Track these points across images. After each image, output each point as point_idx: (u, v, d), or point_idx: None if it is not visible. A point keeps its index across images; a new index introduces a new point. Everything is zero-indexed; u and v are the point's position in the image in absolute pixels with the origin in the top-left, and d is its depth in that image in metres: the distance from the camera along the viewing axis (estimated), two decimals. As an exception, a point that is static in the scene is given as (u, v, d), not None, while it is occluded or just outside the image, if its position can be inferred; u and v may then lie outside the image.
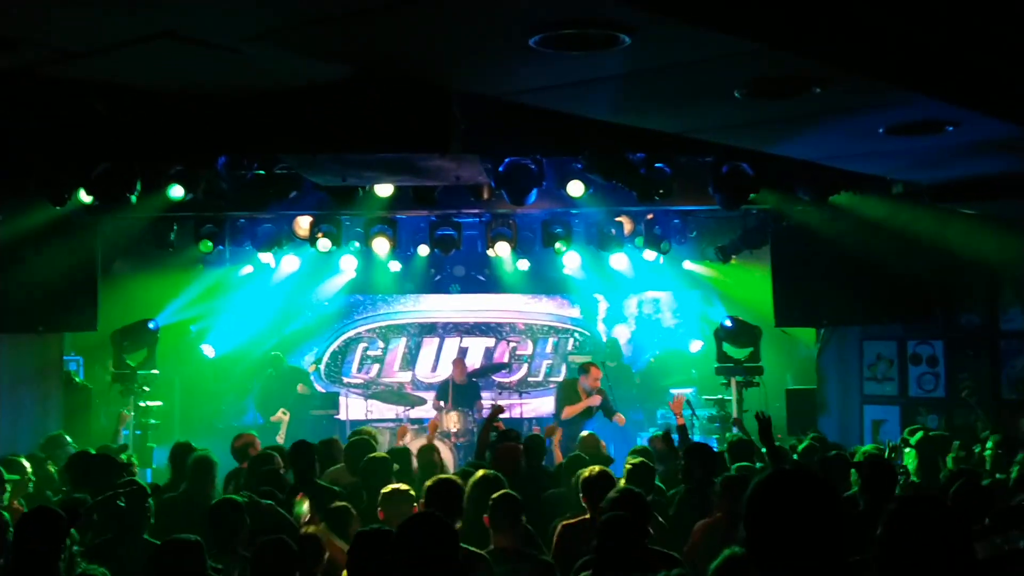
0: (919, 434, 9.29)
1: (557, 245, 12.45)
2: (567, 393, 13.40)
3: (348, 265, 14.40)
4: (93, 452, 8.85)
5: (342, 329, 16.71)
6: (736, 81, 5.66)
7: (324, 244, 12.08)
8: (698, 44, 4.91)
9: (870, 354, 12.30)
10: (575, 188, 10.34)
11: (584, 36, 4.64)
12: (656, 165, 9.75)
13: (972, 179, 8.95)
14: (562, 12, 4.43)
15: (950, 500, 6.33)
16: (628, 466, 7.85)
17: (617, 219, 12.57)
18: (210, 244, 11.98)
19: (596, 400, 12.94)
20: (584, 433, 10.56)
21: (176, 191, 9.60)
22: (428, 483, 6.58)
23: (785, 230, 11.78)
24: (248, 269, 14.18)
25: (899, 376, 12.04)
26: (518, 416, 15.62)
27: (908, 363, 11.97)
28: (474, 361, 16.35)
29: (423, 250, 13.34)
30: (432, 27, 4.76)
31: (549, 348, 16.95)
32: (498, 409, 9.93)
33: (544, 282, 15.89)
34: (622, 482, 7.04)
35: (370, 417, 15.22)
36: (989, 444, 8.99)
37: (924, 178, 9.19)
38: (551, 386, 16.59)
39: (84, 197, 9.23)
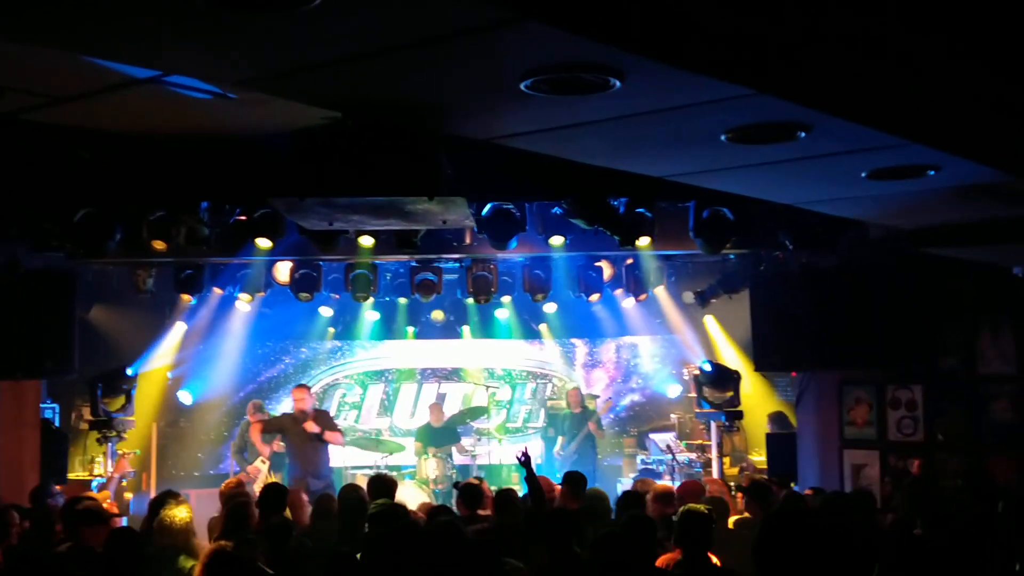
0: None
1: (537, 294, 12.50)
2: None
3: (326, 311, 14.40)
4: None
5: (320, 376, 16.64)
6: (722, 125, 5.71)
7: (304, 296, 12.12)
8: (687, 88, 4.95)
9: (849, 398, 12.31)
10: (556, 240, 10.41)
11: (576, 80, 4.67)
12: (637, 210, 9.80)
13: (951, 224, 9.02)
14: (555, 56, 4.46)
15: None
16: None
17: (597, 264, 12.60)
18: (190, 295, 11.98)
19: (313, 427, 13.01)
20: None
21: (158, 244, 9.54)
22: None
23: (764, 274, 11.82)
24: (226, 314, 14.13)
25: (878, 420, 12.05)
26: (497, 463, 15.61)
27: (887, 407, 11.98)
28: (452, 407, 16.31)
29: (403, 296, 13.35)
30: (424, 73, 4.78)
31: (528, 394, 16.93)
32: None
33: (524, 327, 15.93)
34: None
35: (348, 464, 15.16)
36: None
37: (904, 223, 9.25)
38: (530, 431, 16.62)
39: (66, 247, 9.17)
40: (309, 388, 14.19)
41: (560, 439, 15.10)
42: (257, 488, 11.98)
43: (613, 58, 4.45)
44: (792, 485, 10.96)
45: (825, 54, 4.82)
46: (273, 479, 12.44)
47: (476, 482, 9.72)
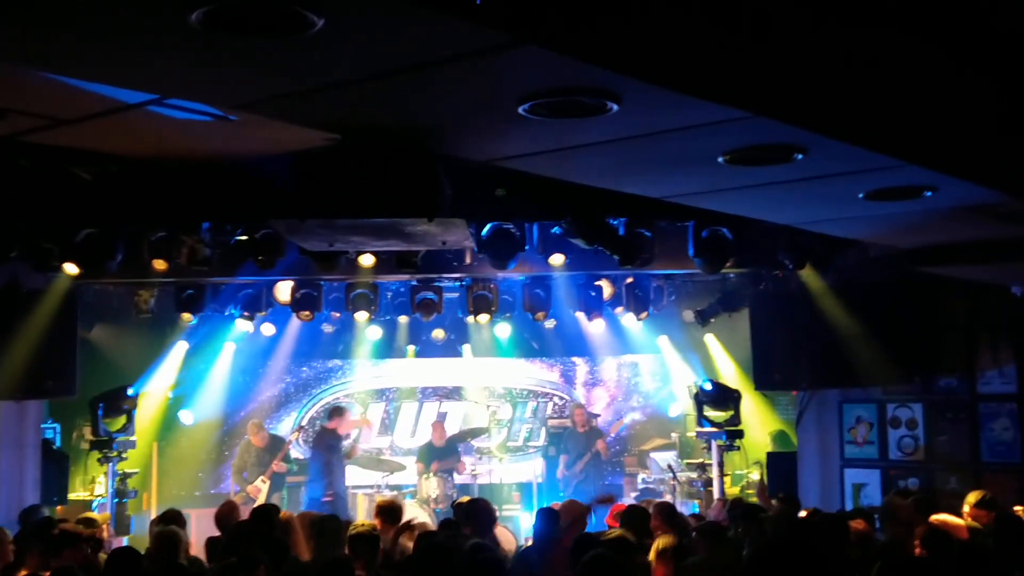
0: None
1: (537, 313, 12.52)
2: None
3: (327, 330, 14.42)
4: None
5: (320, 395, 16.63)
6: (719, 148, 5.74)
7: (305, 315, 12.15)
8: (684, 111, 4.98)
9: (850, 417, 12.32)
10: (556, 259, 10.40)
11: (574, 103, 4.70)
12: (637, 230, 9.83)
13: (948, 244, 9.05)
14: (552, 80, 4.50)
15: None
16: None
17: (597, 283, 12.61)
18: (191, 315, 12.00)
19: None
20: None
21: (159, 264, 9.58)
22: None
23: (763, 294, 11.84)
24: (227, 335, 14.17)
25: (879, 439, 12.05)
26: (498, 482, 15.60)
27: (888, 426, 11.99)
28: (453, 425, 16.30)
29: (403, 315, 13.36)
30: (423, 97, 4.81)
31: (528, 413, 16.91)
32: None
33: (524, 346, 15.94)
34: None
35: (349, 484, 15.14)
36: None
37: (902, 242, 9.28)
38: (531, 451, 16.60)
39: (67, 267, 9.17)
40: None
41: (563, 458, 15.10)
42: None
43: (610, 82, 4.48)
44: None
45: (821, 76, 4.85)
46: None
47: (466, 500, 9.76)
